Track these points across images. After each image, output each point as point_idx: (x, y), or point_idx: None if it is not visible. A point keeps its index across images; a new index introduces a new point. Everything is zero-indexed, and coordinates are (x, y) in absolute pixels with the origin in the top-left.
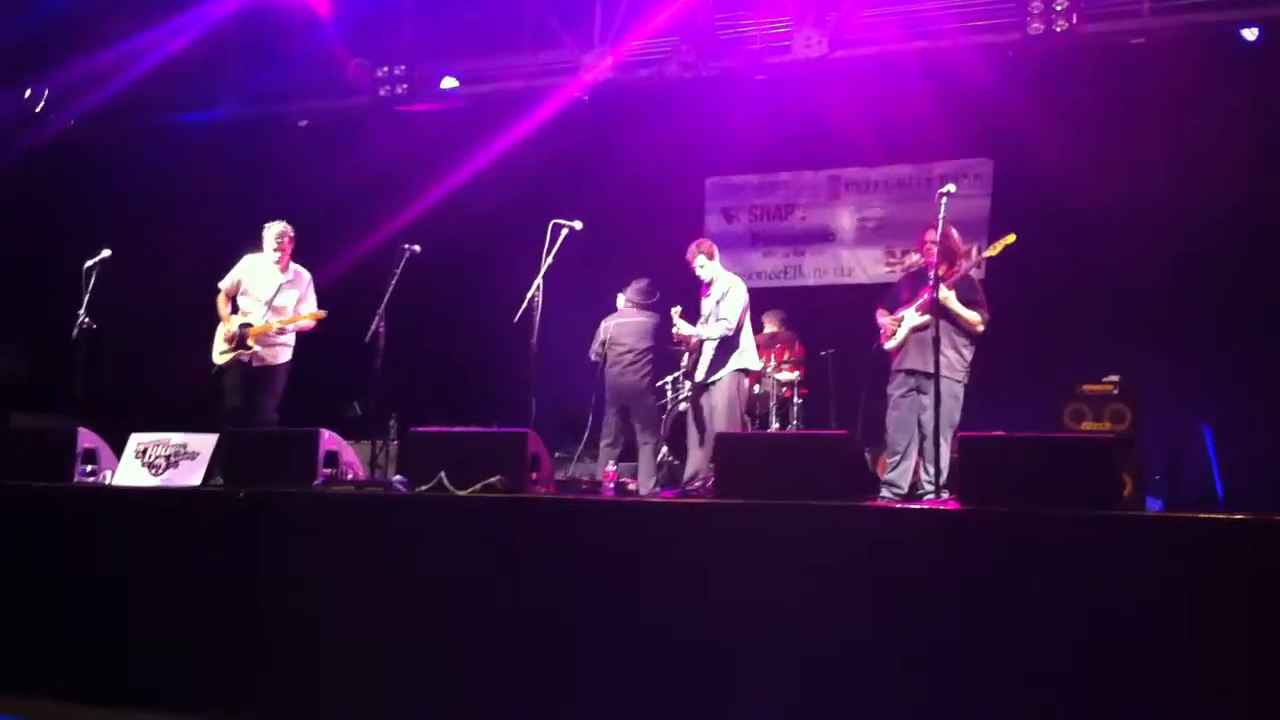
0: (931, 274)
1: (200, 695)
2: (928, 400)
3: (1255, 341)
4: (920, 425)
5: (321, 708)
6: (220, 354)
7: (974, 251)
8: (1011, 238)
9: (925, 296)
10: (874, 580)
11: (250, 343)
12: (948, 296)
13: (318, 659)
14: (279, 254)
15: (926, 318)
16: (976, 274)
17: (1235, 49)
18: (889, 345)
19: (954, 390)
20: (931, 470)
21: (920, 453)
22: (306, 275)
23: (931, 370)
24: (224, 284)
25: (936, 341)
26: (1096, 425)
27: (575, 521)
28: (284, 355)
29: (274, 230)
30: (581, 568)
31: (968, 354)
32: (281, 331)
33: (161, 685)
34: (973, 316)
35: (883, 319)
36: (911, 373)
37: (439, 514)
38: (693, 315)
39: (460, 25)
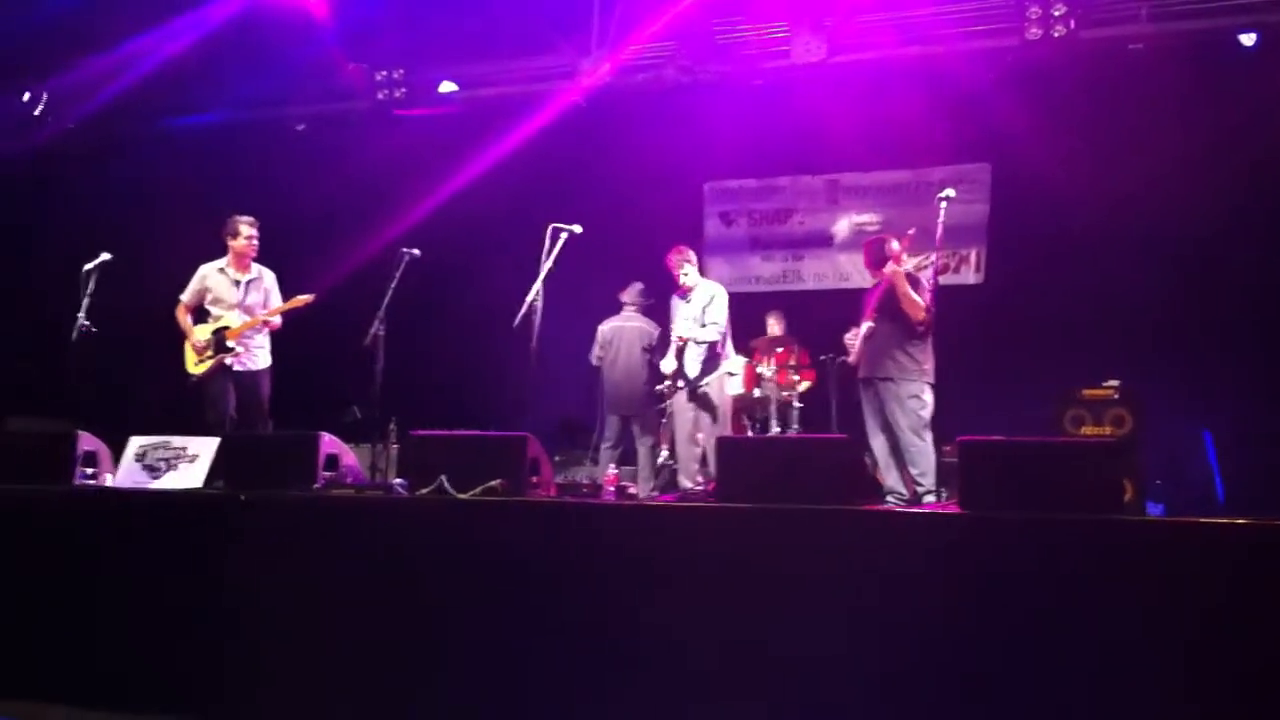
0: (886, 268)
1: (198, 698)
2: (886, 404)
3: (1256, 346)
4: (887, 429)
5: (326, 710)
6: (196, 365)
7: (933, 255)
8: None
9: (873, 301)
10: (877, 584)
11: (230, 343)
12: (896, 271)
13: (319, 662)
14: (243, 254)
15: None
16: (927, 279)
17: (1233, 54)
18: (851, 360)
19: (912, 390)
20: (914, 472)
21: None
22: (270, 273)
23: (882, 375)
24: (185, 297)
25: (889, 338)
26: (1096, 430)
27: (577, 525)
28: (265, 359)
29: (242, 230)
30: (583, 570)
31: (918, 354)
32: (267, 324)
33: (165, 688)
34: (916, 299)
35: (848, 338)
36: (868, 380)
37: (440, 517)
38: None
39: (458, 30)
